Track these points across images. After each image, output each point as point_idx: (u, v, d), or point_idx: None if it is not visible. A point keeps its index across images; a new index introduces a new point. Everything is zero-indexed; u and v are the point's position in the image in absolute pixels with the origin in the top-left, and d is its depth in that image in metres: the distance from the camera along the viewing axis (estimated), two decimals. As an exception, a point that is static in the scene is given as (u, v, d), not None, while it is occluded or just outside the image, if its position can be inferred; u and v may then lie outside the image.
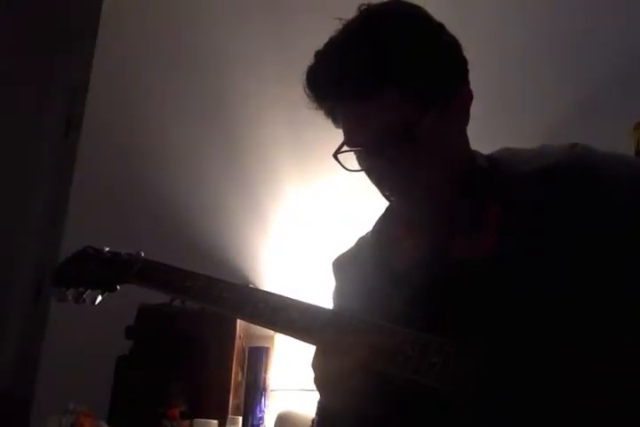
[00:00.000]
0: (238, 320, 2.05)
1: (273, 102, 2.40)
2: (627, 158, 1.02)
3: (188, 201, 2.41)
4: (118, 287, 1.16)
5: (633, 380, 0.77)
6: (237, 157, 2.45)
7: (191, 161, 2.48)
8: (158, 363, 2.01)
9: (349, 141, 0.94)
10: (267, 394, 2.08)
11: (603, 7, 2.22)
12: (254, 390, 2.07)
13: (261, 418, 2.06)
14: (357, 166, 0.95)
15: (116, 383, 2.01)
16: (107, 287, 1.16)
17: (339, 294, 1.09)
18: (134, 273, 1.11)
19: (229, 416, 2.01)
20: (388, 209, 1.08)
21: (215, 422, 1.95)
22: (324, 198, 2.33)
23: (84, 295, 1.16)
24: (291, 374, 2.06)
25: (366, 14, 0.93)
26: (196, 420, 1.95)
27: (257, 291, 1.01)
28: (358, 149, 0.93)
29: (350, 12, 0.93)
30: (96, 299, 1.16)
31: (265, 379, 2.08)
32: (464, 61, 0.95)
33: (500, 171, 0.97)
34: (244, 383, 2.08)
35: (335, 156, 0.94)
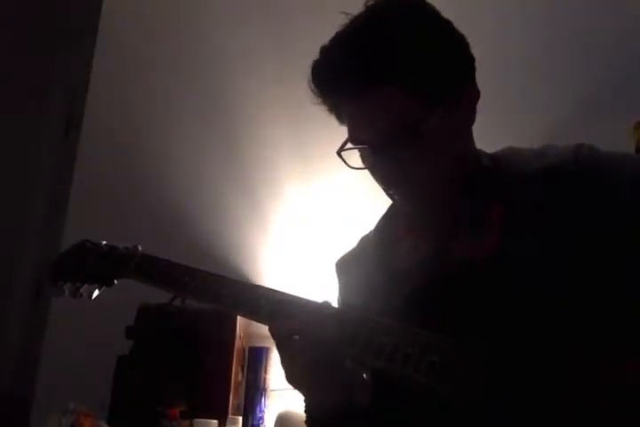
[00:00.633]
0: (238, 320, 2.06)
1: (273, 102, 2.40)
2: (632, 157, 1.01)
3: (188, 201, 2.40)
4: (116, 282, 1.15)
5: (634, 380, 0.76)
6: (237, 157, 2.45)
7: (191, 161, 2.48)
8: (158, 363, 2.01)
9: (353, 139, 0.93)
10: (267, 394, 2.08)
11: (603, 7, 2.22)
12: (254, 390, 2.07)
13: (261, 418, 2.06)
14: (361, 164, 0.95)
15: (116, 383, 2.01)
16: (104, 282, 1.15)
17: (342, 293, 1.09)
18: (133, 267, 1.11)
19: (229, 416, 2.01)
20: (390, 208, 1.08)
21: (215, 422, 1.95)
22: (324, 198, 2.33)
23: (81, 290, 1.15)
24: (291, 374, 2.06)
25: (372, 10, 0.92)
26: (195, 420, 1.95)
27: (257, 287, 1.00)
28: (362, 146, 0.93)
29: (350, 12, 0.93)
30: (93, 293, 1.15)
31: (265, 379, 2.08)
32: (471, 59, 0.94)
33: (503, 170, 0.96)
34: (243, 383, 2.08)
35: (339, 153, 0.94)
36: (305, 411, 0.97)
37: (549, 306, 0.82)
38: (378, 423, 0.92)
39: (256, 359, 2.09)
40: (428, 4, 0.94)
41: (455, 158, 0.93)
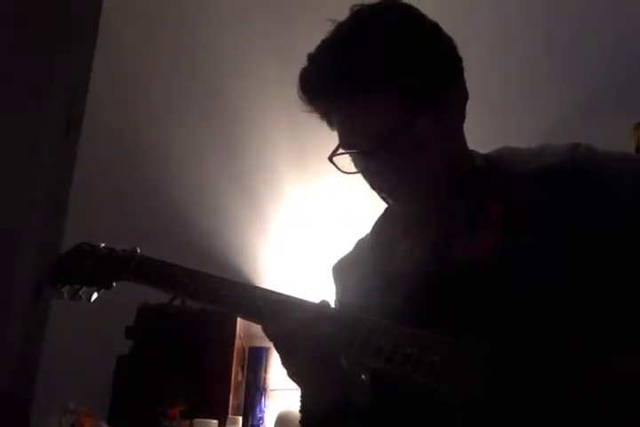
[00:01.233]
0: (238, 320, 2.06)
1: (273, 103, 2.40)
2: (630, 157, 1.01)
3: (188, 201, 2.41)
4: (114, 284, 1.15)
5: (634, 380, 0.76)
6: (237, 157, 2.45)
7: (191, 161, 2.48)
8: (158, 363, 2.01)
9: (344, 144, 0.94)
10: (267, 394, 2.08)
11: (603, 7, 2.22)
12: (254, 390, 2.07)
13: (261, 418, 2.06)
14: (353, 169, 0.95)
15: (116, 383, 2.01)
16: (103, 284, 1.15)
17: (340, 297, 1.09)
18: (132, 269, 1.10)
19: (229, 416, 2.01)
20: (386, 210, 1.08)
21: (215, 422, 1.95)
22: (324, 198, 2.33)
23: (80, 292, 1.15)
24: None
25: (358, 15, 0.92)
26: (196, 420, 1.95)
27: (256, 288, 1.01)
28: (353, 151, 0.93)
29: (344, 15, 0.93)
30: (92, 296, 1.15)
31: (265, 379, 2.08)
32: (459, 61, 0.94)
33: (498, 170, 0.96)
34: (243, 383, 2.08)
35: (330, 159, 0.94)
36: (300, 408, 0.97)
37: (549, 306, 0.82)
38: (376, 423, 0.92)
39: (256, 359, 2.09)
40: (414, 7, 0.94)
41: (447, 160, 0.93)
